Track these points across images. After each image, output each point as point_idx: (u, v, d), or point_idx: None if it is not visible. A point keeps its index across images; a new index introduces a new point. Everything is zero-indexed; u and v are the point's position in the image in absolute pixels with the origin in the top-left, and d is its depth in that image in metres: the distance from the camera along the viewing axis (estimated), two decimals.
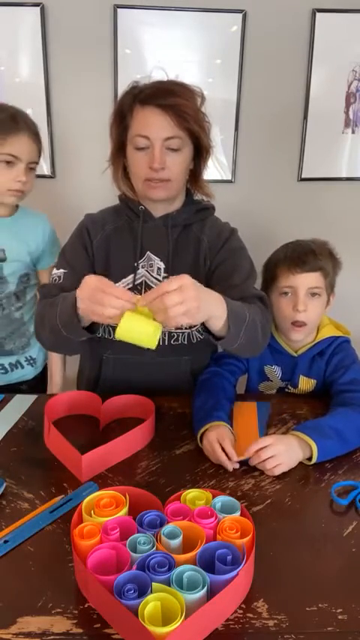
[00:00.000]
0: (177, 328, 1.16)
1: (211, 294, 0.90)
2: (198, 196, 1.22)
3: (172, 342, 1.18)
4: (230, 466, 0.92)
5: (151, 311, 0.83)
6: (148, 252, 1.16)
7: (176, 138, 1.04)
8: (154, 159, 1.04)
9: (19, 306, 1.35)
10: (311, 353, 1.21)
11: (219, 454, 0.92)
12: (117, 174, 1.16)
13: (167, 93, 1.03)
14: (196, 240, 1.17)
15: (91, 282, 0.87)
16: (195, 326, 1.16)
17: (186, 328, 1.17)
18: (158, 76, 1.10)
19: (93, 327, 1.00)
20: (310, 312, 1.16)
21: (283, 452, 0.90)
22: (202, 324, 0.93)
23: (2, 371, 1.38)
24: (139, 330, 0.83)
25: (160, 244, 1.16)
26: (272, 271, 1.21)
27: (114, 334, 1.17)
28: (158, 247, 1.16)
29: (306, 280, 1.16)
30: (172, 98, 1.02)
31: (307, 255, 1.16)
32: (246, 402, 1.16)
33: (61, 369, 1.47)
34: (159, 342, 1.16)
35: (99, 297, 0.83)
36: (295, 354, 1.23)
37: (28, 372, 1.43)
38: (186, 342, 1.18)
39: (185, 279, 0.81)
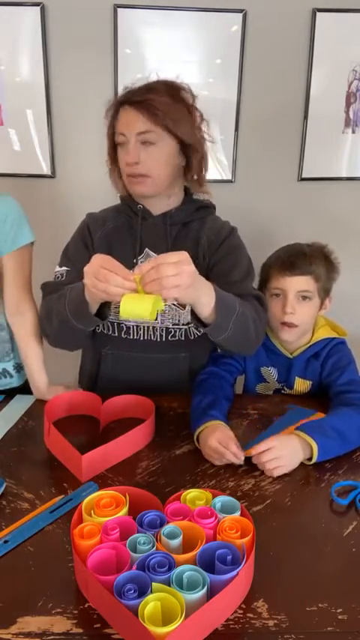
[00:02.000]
0: (174, 324, 1.17)
1: (202, 279, 0.91)
2: (199, 196, 1.22)
3: (169, 337, 1.18)
4: (238, 460, 0.93)
5: (143, 285, 0.83)
6: (146, 249, 1.17)
7: (150, 132, 1.06)
8: (128, 154, 1.07)
9: None
10: (306, 355, 1.22)
11: (229, 457, 0.92)
12: (114, 174, 1.19)
13: (143, 91, 1.07)
14: (195, 238, 1.18)
15: (97, 260, 0.88)
16: (192, 323, 1.17)
17: (184, 324, 1.17)
18: (153, 79, 1.13)
19: (101, 314, 1.01)
20: (300, 315, 1.16)
21: (286, 455, 0.91)
22: (192, 313, 0.95)
23: None
24: (139, 306, 0.83)
25: (159, 241, 1.17)
26: (266, 272, 1.23)
27: (113, 331, 1.18)
28: (157, 244, 1.17)
29: (296, 284, 1.16)
30: (143, 95, 1.05)
31: (298, 258, 1.17)
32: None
33: (41, 374, 1.20)
34: (158, 339, 1.17)
35: (103, 274, 0.85)
36: (290, 356, 1.23)
37: (14, 380, 1.28)
38: (183, 339, 1.19)
39: (184, 255, 0.83)
